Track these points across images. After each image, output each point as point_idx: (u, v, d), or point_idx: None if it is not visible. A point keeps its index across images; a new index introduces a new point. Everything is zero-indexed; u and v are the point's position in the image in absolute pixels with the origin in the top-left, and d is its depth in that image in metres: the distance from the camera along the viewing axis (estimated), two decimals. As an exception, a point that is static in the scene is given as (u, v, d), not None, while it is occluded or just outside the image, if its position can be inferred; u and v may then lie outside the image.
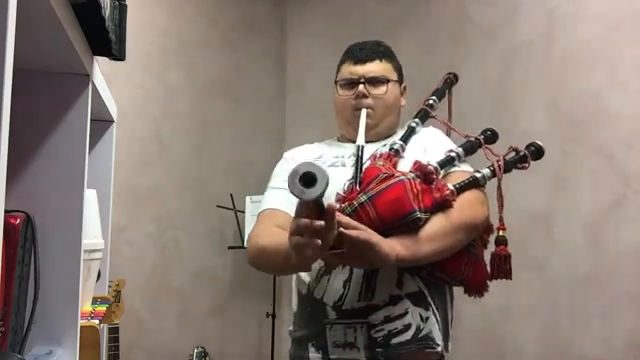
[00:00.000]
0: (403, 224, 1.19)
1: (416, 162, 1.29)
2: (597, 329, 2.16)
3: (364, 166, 1.34)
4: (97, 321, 1.11)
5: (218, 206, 3.04)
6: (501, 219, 1.35)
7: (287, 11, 3.57)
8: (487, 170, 1.33)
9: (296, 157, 1.53)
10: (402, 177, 1.22)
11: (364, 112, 1.43)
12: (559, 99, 2.33)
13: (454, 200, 1.26)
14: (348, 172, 1.37)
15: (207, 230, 3.13)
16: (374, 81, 1.46)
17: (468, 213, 1.28)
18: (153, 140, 3.00)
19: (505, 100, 2.51)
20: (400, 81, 1.54)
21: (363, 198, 1.19)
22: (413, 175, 1.24)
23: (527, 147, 1.39)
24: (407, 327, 1.27)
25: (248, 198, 3.01)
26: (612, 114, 2.18)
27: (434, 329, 1.31)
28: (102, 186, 1.34)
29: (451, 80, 1.60)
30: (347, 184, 1.30)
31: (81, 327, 0.97)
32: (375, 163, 1.30)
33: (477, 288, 1.35)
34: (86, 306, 1.14)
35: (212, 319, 3.12)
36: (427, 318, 1.30)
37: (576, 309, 2.23)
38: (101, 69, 1.11)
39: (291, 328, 1.49)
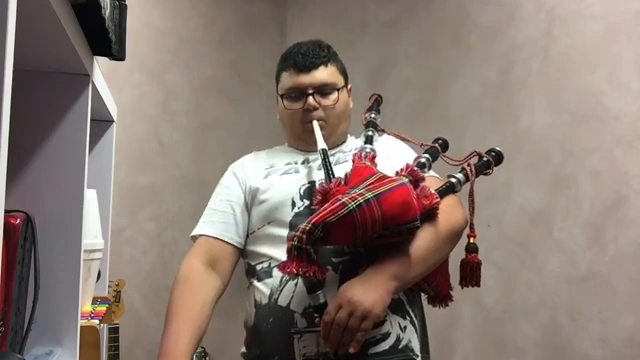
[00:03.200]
0: (400, 231, 1.11)
1: (408, 166, 1.23)
2: (597, 329, 2.16)
3: (343, 166, 1.31)
4: (97, 321, 1.11)
5: (218, 206, 3.04)
6: (472, 226, 1.31)
7: (287, 11, 3.57)
8: (461, 175, 1.31)
9: (246, 167, 1.47)
10: (403, 180, 1.14)
11: (316, 123, 1.35)
12: (559, 99, 2.33)
13: (439, 208, 1.21)
14: (302, 178, 1.33)
15: (207, 230, 3.13)
16: (323, 90, 1.37)
17: (453, 220, 1.24)
18: (153, 140, 3.00)
19: (505, 100, 2.50)
20: (346, 83, 1.45)
21: (369, 195, 1.08)
22: (407, 179, 1.17)
23: (488, 152, 1.38)
24: (385, 336, 1.18)
25: (248, 198, 3.01)
26: (612, 114, 2.18)
27: (413, 338, 1.23)
28: (102, 186, 1.35)
29: (379, 101, 1.54)
30: (320, 181, 1.26)
31: (81, 327, 0.97)
32: (363, 162, 1.23)
33: (445, 297, 1.34)
34: (86, 306, 1.14)
35: (212, 319, 3.11)
36: (405, 327, 1.22)
37: (576, 309, 2.23)
38: (101, 69, 1.11)
39: (243, 350, 1.40)
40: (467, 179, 1.31)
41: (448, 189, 1.28)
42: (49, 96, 0.94)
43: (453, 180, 1.30)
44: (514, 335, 2.40)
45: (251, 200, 1.39)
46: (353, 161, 1.26)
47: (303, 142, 1.42)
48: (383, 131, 1.46)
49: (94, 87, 1.02)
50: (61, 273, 0.92)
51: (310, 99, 1.35)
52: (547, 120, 2.36)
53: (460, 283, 1.33)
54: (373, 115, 1.47)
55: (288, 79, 1.41)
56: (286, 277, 1.23)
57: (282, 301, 1.23)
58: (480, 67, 2.62)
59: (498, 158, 1.38)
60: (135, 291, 2.75)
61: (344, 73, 1.45)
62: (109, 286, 1.71)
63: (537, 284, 2.34)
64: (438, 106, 2.71)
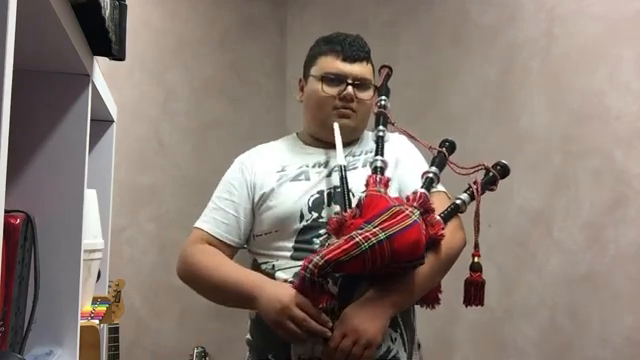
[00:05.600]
0: (405, 267, 1.18)
1: (421, 196, 1.24)
2: (597, 329, 2.16)
3: (352, 173, 1.32)
4: (97, 321, 1.11)
5: (218, 206, 3.04)
6: (476, 245, 1.33)
7: (287, 11, 3.57)
8: (466, 195, 1.32)
9: (255, 168, 1.43)
10: (415, 218, 1.16)
11: (337, 127, 1.35)
12: (559, 99, 2.33)
13: (443, 237, 1.25)
14: (312, 187, 1.32)
15: (207, 230, 3.13)
16: (361, 84, 1.38)
17: (454, 245, 1.27)
18: (153, 140, 3.00)
19: (505, 100, 2.51)
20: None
21: (382, 236, 1.12)
22: (418, 212, 1.19)
23: (494, 167, 1.38)
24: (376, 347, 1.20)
25: (248, 198, 3.01)
26: (612, 114, 2.18)
27: (400, 350, 1.26)
28: (102, 186, 1.35)
29: (389, 74, 1.55)
30: (337, 209, 1.27)
31: (81, 327, 0.97)
32: (377, 190, 1.23)
33: (433, 300, 1.33)
34: (86, 306, 1.14)
35: (212, 319, 3.11)
36: (395, 339, 1.25)
37: (576, 309, 2.23)
38: (101, 69, 1.11)
39: (248, 336, 1.44)
40: (472, 198, 1.32)
41: (453, 211, 1.30)
42: (49, 96, 0.94)
43: (458, 202, 1.32)
44: (514, 335, 2.40)
45: (259, 203, 1.38)
46: (367, 184, 1.26)
47: (326, 129, 1.38)
48: (393, 124, 1.45)
49: (94, 87, 1.02)
50: (61, 273, 0.92)
51: (350, 88, 1.35)
52: (547, 120, 2.36)
53: (464, 302, 1.35)
54: (384, 101, 1.47)
55: (330, 63, 1.39)
56: (288, 281, 1.26)
57: None
58: (480, 67, 2.62)
59: (504, 172, 1.38)
60: (135, 291, 2.75)
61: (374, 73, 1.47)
62: (109, 286, 1.71)
63: (537, 284, 2.34)
64: (438, 106, 2.71)
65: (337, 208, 1.28)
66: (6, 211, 0.74)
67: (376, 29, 3.10)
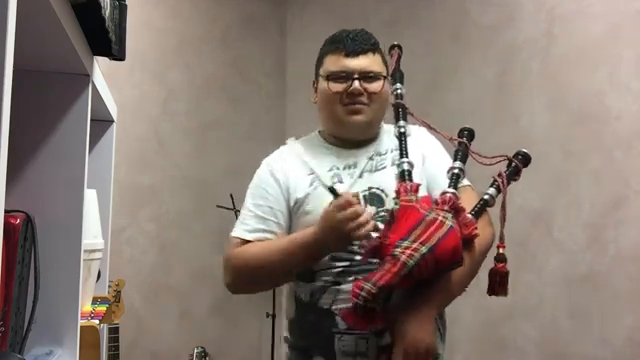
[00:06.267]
0: (445, 271, 1.22)
1: (450, 198, 1.25)
2: (597, 329, 2.16)
3: (382, 173, 1.35)
4: (97, 321, 1.11)
5: (218, 206, 3.04)
6: (502, 237, 1.34)
7: (287, 11, 3.57)
8: (492, 190, 1.33)
9: (287, 171, 1.42)
10: (450, 223, 1.19)
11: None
12: (559, 99, 2.33)
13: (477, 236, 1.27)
14: (345, 188, 1.32)
15: (207, 230, 3.13)
16: (369, 77, 1.36)
17: (484, 240, 1.30)
18: (153, 140, 3.00)
19: (505, 100, 2.51)
20: (386, 76, 1.43)
21: (424, 249, 1.15)
22: (450, 215, 1.22)
23: (515, 156, 1.38)
24: None
25: (248, 198, 3.01)
26: (612, 114, 2.18)
27: (440, 344, 1.31)
28: (102, 186, 1.34)
29: (400, 55, 1.52)
30: (365, 193, 1.32)
31: (81, 327, 0.97)
32: (409, 199, 1.24)
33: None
34: (86, 306, 1.14)
35: (212, 319, 3.12)
36: (437, 337, 1.29)
37: (576, 309, 2.23)
38: (101, 69, 1.11)
39: (287, 335, 1.42)
40: (499, 191, 1.33)
41: (483, 207, 1.32)
42: (49, 96, 0.94)
43: (486, 197, 1.33)
44: (514, 335, 2.40)
45: (294, 208, 1.38)
46: (398, 193, 1.27)
47: (341, 127, 1.39)
48: (412, 115, 1.44)
49: (94, 87, 1.02)
50: (61, 273, 0.92)
51: (356, 83, 1.34)
52: (547, 120, 2.36)
53: (488, 291, 1.35)
54: (399, 90, 1.45)
55: (334, 62, 1.38)
56: (329, 282, 1.29)
57: (323, 303, 1.30)
58: (480, 67, 2.62)
59: (525, 161, 1.38)
60: (135, 291, 2.75)
61: (386, 64, 1.44)
62: (109, 286, 1.71)
63: (537, 284, 2.34)
64: (438, 106, 2.71)
65: (373, 209, 1.30)
66: (6, 211, 0.74)
67: (376, 28, 3.08)
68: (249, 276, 1.35)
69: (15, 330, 0.80)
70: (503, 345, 2.44)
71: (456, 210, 1.24)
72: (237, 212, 3.05)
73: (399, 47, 1.53)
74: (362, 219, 1.17)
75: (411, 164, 1.33)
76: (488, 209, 1.35)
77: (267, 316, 3.00)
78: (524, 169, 1.36)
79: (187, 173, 3.09)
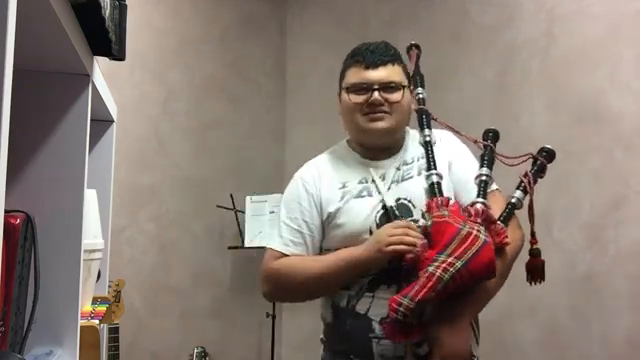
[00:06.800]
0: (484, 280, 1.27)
1: (483, 211, 1.30)
2: (597, 329, 2.16)
3: (410, 183, 1.39)
4: (97, 321, 1.11)
5: (218, 206, 3.04)
6: (533, 234, 1.40)
7: (287, 11, 3.57)
8: (519, 192, 1.37)
9: (318, 185, 1.44)
10: (484, 237, 1.24)
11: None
12: (559, 99, 2.33)
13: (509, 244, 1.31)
14: (377, 203, 1.36)
15: (207, 230, 3.13)
16: (389, 87, 1.39)
17: (514, 245, 1.34)
18: (153, 140, 3.00)
19: (505, 100, 2.51)
20: (409, 85, 1.47)
21: (459, 264, 1.20)
22: (483, 228, 1.26)
23: (539, 153, 1.41)
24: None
25: (248, 198, 3.01)
26: (612, 114, 2.18)
27: (473, 343, 1.34)
28: (102, 186, 1.34)
29: (418, 55, 1.56)
30: (392, 207, 1.35)
31: (81, 327, 0.97)
32: (441, 214, 1.28)
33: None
34: (86, 306, 1.14)
35: (212, 319, 3.12)
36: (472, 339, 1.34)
37: (576, 309, 2.23)
38: (101, 69, 1.11)
39: (323, 337, 1.47)
40: (525, 193, 1.36)
41: (511, 211, 1.35)
42: (49, 96, 0.94)
43: (514, 200, 1.36)
44: (514, 335, 2.40)
45: (327, 222, 1.42)
46: (430, 208, 1.31)
47: (364, 134, 1.43)
48: (435, 120, 1.48)
49: (94, 87, 1.02)
50: (61, 273, 0.92)
51: (376, 94, 1.38)
52: (547, 120, 2.36)
53: (528, 280, 1.43)
54: (421, 95, 1.49)
55: (355, 74, 1.42)
56: (364, 288, 1.34)
57: (360, 308, 1.34)
58: (480, 67, 2.62)
59: (550, 157, 1.41)
60: (135, 291, 2.75)
61: (407, 74, 1.48)
62: (109, 286, 1.71)
63: (537, 284, 2.34)
64: (438, 106, 2.70)
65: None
66: (6, 211, 0.74)
67: (376, 28, 3.10)
68: (290, 289, 1.42)
69: (15, 330, 0.80)
70: (503, 345, 2.44)
71: (488, 221, 1.29)
72: (237, 212, 3.06)
73: (417, 47, 1.56)
74: (409, 240, 1.24)
75: (440, 175, 1.37)
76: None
77: (267, 316, 3.00)
78: (549, 165, 1.39)
79: (187, 173, 3.09)
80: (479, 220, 1.27)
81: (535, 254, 1.41)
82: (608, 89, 2.20)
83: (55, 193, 0.92)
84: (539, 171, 1.39)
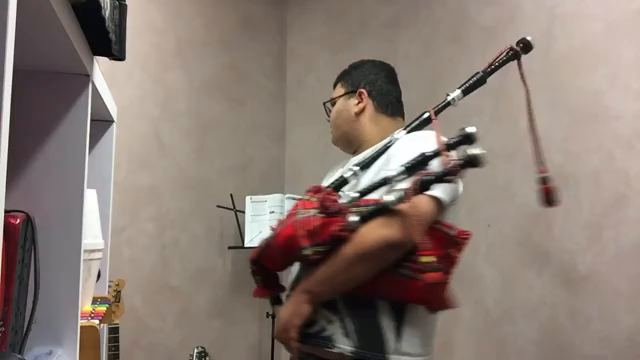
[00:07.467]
0: (299, 257, 1.37)
1: (323, 199, 1.36)
2: (597, 329, 2.16)
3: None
4: (97, 321, 1.11)
5: (218, 206, 3.04)
6: (541, 162, 1.47)
7: (287, 11, 3.57)
8: (393, 197, 1.27)
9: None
10: (300, 216, 1.35)
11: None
12: (559, 99, 2.33)
13: (344, 234, 1.30)
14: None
15: (207, 230, 3.13)
16: (331, 107, 1.71)
17: (365, 239, 1.29)
18: (153, 140, 3.00)
19: (505, 100, 2.50)
20: (352, 90, 1.65)
21: (270, 236, 1.42)
22: (315, 212, 1.33)
23: (517, 44, 1.56)
24: (312, 323, 1.40)
25: (248, 198, 3.01)
26: (612, 114, 2.18)
27: (337, 334, 1.37)
28: (102, 186, 1.34)
29: (509, 54, 1.61)
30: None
31: (81, 327, 0.97)
32: (304, 198, 1.42)
33: (425, 301, 1.35)
34: (86, 306, 1.15)
35: (212, 319, 3.12)
36: (332, 322, 1.38)
37: (576, 309, 2.23)
38: (101, 69, 1.11)
39: None
40: (400, 200, 1.27)
41: (378, 210, 1.29)
42: (49, 96, 0.94)
43: (386, 201, 1.28)
44: (514, 335, 2.40)
45: None
46: (307, 192, 1.45)
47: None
48: (429, 119, 1.51)
49: (94, 87, 1.02)
50: (61, 273, 0.92)
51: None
52: (547, 120, 2.36)
53: (542, 204, 1.46)
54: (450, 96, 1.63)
55: None
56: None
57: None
58: (480, 67, 2.61)
59: (526, 49, 1.49)
60: (135, 291, 2.75)
61: (351, 83, 1.67)
62: (109, 286, 1.71)
63: (537, 284, 2.34)
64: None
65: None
66: (6, 211, 0.74)
67: (376, 29, 3.10)
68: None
69: (15, 330, 0.80)
70: (503, 345, 2.44)
71: (328, 213, 1.33)
72: (237, 212, 3.06)
73: (524, 45, 1.67)
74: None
75: (355, 172, 1.46)
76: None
77: (267, 316, 3.00)
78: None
79: (187, 173, 3.09)
80: (314, 205, 1.36)
81: (544, 181, 1.47)
82: (608, 89, 2.20)
83: (55, 193, 0.92)
84: (433, 181, 1.26)
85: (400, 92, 1.71)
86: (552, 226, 2.31)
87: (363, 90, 1.64)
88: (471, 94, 1.57)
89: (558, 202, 1.44)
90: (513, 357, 2.40)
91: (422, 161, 1.30)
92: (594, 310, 2.18)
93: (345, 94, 1.65)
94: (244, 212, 3.01)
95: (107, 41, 0.98)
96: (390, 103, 1.66)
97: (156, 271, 2.94)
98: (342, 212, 1.32)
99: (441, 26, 2.82)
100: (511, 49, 1.47)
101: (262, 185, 3.20)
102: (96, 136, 1.39)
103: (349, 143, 1.66)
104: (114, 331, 2.12)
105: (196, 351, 2.73)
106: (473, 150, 1.23)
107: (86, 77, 0.96)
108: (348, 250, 1.31)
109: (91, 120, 0.98)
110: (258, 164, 3.32)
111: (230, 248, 3.11)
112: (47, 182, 0.92)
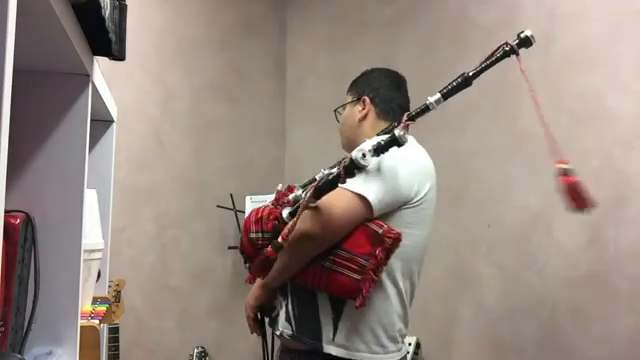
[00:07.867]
0: (252, 241, 1.49)
1: (279, 193, 1.53)
2: (597, 329, 2.16)
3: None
4: (97, 321, 1.11)
5: (218, 206, 3.04)
6: (557, 152, 1.32)
7: (287, 11, 3.57)
8: (300, 192, 1.45)
9: None
10: (262, 206, 1.50)
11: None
12: (559, 99, 2.33)
13: (276, 224, 1.41)
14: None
15: (207, 230, 3.13)
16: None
17: (292, 234, 1.33)
18: (153, 140, 3.00)
19: (504, 100, 2.51)
20: (357, 98, 1.71)
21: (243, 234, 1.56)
22: (270, 205, 1.49)
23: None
24: (273, 308, 1.60)
25: (248, 198, 3.01)
26: (612, 114, 2.18)
27: (281, 316, 1.53)
28: (102, 186, 1.35)
29: (505, 50, 1.51)
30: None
31: (81, 327, 0.97)
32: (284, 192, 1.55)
33: (345, 295, 1.39)
34: (86, 306, 1.15)
35: (212, 319, 3.12)
36: (282, 305, 1.53)
37: (576, 309, 2.23)
38: (101, 69, 1.11)
39: None
40: (316, 195, 1.30)
41: (295, 211, 1.37)
42: (49, 96, 0.94)
43: (303, 197, 1.36)
44: (514, 335, 2.40)
45: None
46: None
47: None
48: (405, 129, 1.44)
49: (94, 87, 1.02)
50: (61, 273, 0.92)
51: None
52: (547, 120, 2.36)
53: (571, 209, 1.31)
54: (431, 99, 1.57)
55: None
56: None
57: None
58: (480, 67, 2.61)
59: (522, 43, 1.44)
60: (135, 291, 2.75)
61: (356, 90, 1.74)
62: (109, 286, 1.71)
63: (537, 284, 2.34)
64: (438, 106, 2.70)
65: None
66: (6, 211, 0.74)
67: (376, 29, 3.10)
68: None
69: (15, 330, 0.80)
70: (503, 345, 2.44)
71: (276, 200, 1.51)
72: (237, 212, 3.06)
73: (527, 39, 1.55)
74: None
75: (330, 173, 1.36)
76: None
77: (267, 316, 3.00)
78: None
79: (187, 173, 3.09)
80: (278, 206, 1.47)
81: (563, 172, 1.26)
82: (607, 89, 2.20)
83: (55, 193, 0.92)
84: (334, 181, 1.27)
85: (407, 99, 1.73)
86: (552, 226, 2.31)
87: (366, 97, 1.69)
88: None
89: (592, 202, 1.24)
90: (513, 357, 2.40)
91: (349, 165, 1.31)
92: (594, 310, 2.18)
93: (352, 101, 1.73)
94: (244, 212, 3.01)
95: (107, 41, 0.98)
96: (392, 109, 1.68)
97: (156, 271, 2.94)
98: (284, 206, 1.45)
99: (441, 26, 2.82)
100: (506, 44, 1.43)
101: (262, 185, 3.20)
102: (96, 136, 1.39)
103: (352, 148, 1.66)
104: (114, 331, 2.12)
105: (196, 351, 2.74)
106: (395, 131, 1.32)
107: (86, 77, 0.96)
108: (288, 245, 1.37)
109: (91, 120, 0.98)
110: (258, 164, 3.32)
111: (230, 248, 3.11)
112: (47, 182, 0.92)
